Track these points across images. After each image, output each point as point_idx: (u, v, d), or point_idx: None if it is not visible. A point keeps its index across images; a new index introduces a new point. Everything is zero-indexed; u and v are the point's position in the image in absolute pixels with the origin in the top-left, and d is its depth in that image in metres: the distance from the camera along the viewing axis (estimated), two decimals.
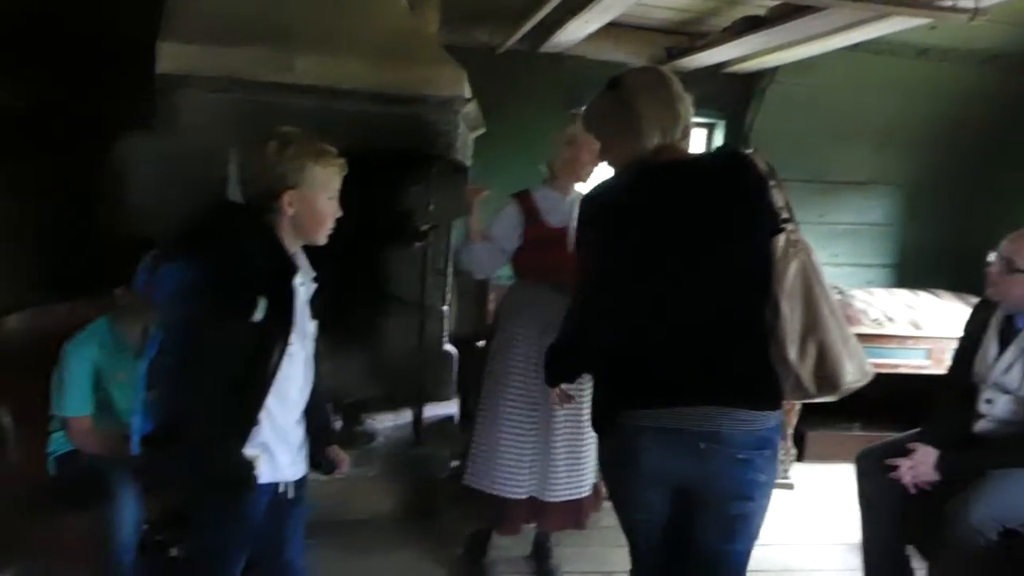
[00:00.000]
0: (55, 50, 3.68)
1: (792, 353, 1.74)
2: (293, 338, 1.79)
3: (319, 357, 1.98)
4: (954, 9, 3.20)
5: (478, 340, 2.99)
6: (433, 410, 3.79)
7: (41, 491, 2.52)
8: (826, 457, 4.19)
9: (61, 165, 3.41)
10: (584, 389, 2.84)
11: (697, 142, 5.11)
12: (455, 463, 3.23)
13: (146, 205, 3.02)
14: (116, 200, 3.07)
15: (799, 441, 4.24)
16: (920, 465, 2.48)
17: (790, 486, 3.93)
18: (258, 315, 1.68)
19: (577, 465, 2.84)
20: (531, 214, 2.83)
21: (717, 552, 1.84)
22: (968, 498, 2.35)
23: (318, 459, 2.06)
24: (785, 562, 3.17)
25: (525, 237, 2.84)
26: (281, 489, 1.89)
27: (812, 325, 1.74)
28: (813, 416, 4.14)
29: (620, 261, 1.79)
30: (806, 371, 1.75)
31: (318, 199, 1.83)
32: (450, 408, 3.97)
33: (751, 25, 3.98)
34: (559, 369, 2.06)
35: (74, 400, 2.47)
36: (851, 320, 3.45)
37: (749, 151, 1.90)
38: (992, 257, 2.59)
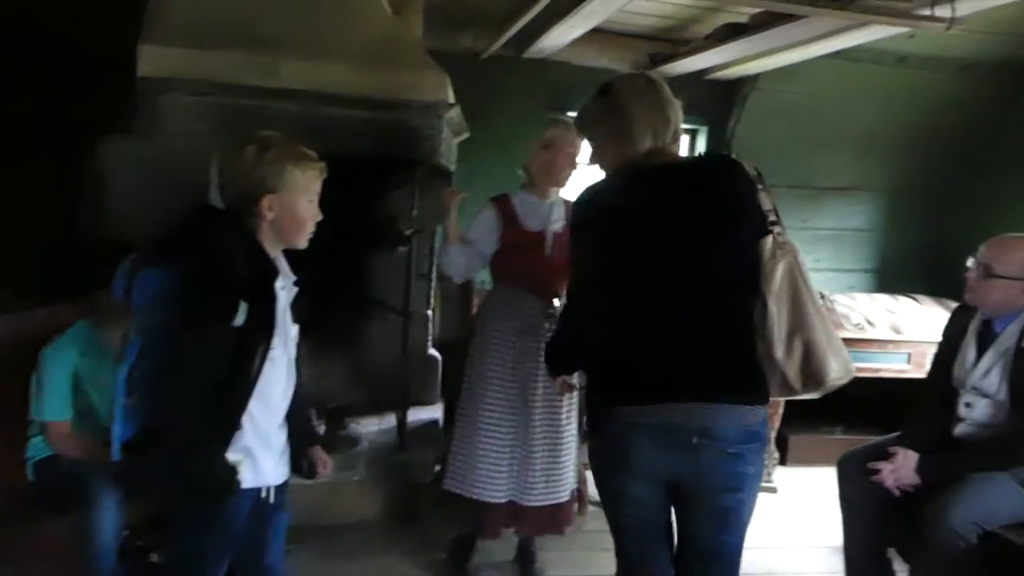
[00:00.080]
0: (35, 53, 3.65)
1: (779, 351, 1.77)
2: (275, 342, 1.78)
3: (301, 361, 1.98)
4: (931, 18, 3.24)
5: (462, 344, 2.99)
6: (417, 414, 3.79)
7: (19, 497, 2.49)
8: (809, 461, 4.23)
9: (41, 168, 3.39)
10: (572, 399, 2.86)
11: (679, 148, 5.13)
12: (438, 467, 3.23)
13: (127, 209, 3.01)
14: (97, 204, 3.05)
15: (782, 445, 4.27)
16: (901, 469, 2.50)
17: (773, 490, 3.95)
18: (239, 319, 1.67)
19: (555, 470, 2.83)
20: (509, 218, 2.83)
21: (711, 545, 1.88)
22: (947, 501, 2.37)
23: (300, 463, 2.05)
24: (769, 565, 3.19)
25: (502, 241, 2.84)
26: (263, 494, 1.88)
27: (798, 324, 1.78)
28: (796, 420, 4.18)
29: (613, 261, 1.83)
30: (792, 368, 1.78)
31: (298, 203, 1.82)
32: (434, 412, 3.97)
33: (733, 32, 4.01)
34: (557, 363, 2.13)
35: (53, 405, 2.45)
36: (833, 325, 3.48)
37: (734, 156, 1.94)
38: (970, 262, 2.62)
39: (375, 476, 3.37)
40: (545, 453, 2.81)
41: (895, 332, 4.13)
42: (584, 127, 2.01)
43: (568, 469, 2.87)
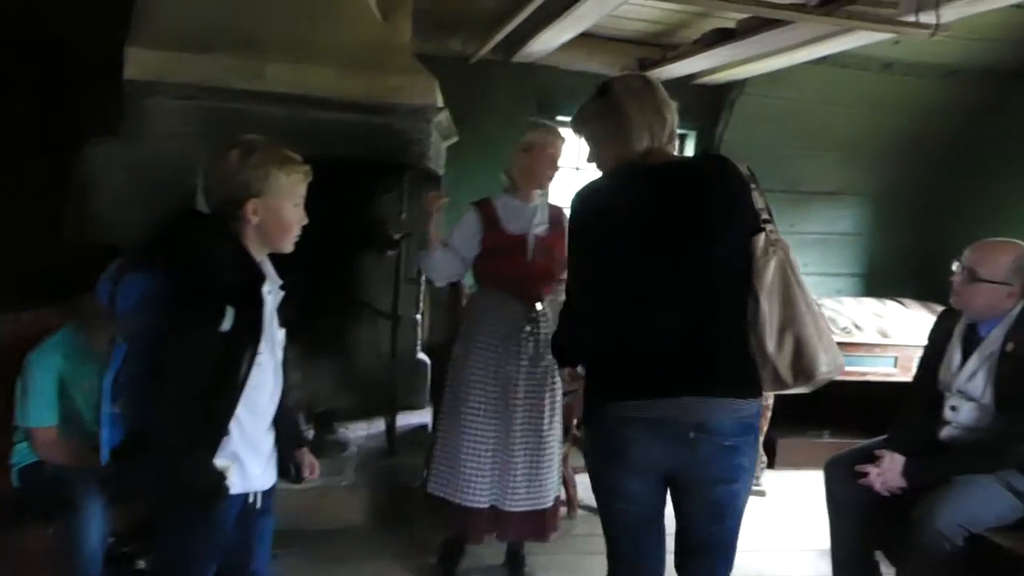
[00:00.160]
0: (31, 54, 3.63)
1: (771, 346, 1.80)
2: (262, 347, 1.77)
3: (288, 365, 1.97)
4: (916, 24, 3.26)
5: (451, 348, 2.99)
6: (406, 419, 3.79)
7: (4, 503, 2.47)
8: (796, 464, 4.25)
9: (25, 171, 3.36)
10: (556, 403, 2.87)
11: None
12: (426, 472, 3.22)
13: (113, 212, 2.98)
14: (82, 207, 3.03)
15: (770, 449, 4.29)
16: (888, 472, 2.52)
17: (762, 493, 3.96)
18: (226, 324, 1.66)
19: (538, 476, 2.83)
20: (491, 221, 2.83)
21: (707, 535, 1.92)
22: (934, 504, 2.38)
23: (287, 467, 2.04)
24: (757, 568, 3.20)
25: (484, 244, 2.84)
26: (251, 500, 1.87)
27: (789, 319, 1.81)
28: (784, 424, 4.19)
29: (609, 259, 1.85)
30: (783, 363, 1.81)
31: (283, 207, 1.82)
32: (423, 417, 3.96)
33: (721, 37, 4.03)
34: (561, 356, 2.15)
35: (38, 410, 2.43)
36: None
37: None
38: (955, 267, 2.64)
39: (364, 480, 3.36)
40: (527, 458, 2.81)
41: (882, 336, 4.15)
42: (582, 127, 2.04)
43: (551, 475, 2.87)
